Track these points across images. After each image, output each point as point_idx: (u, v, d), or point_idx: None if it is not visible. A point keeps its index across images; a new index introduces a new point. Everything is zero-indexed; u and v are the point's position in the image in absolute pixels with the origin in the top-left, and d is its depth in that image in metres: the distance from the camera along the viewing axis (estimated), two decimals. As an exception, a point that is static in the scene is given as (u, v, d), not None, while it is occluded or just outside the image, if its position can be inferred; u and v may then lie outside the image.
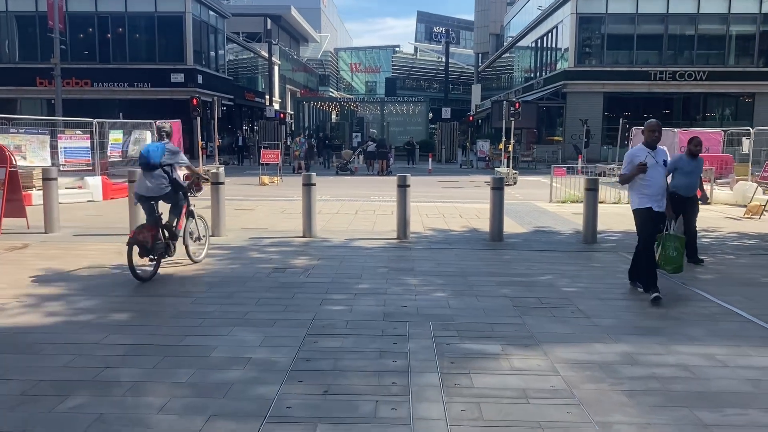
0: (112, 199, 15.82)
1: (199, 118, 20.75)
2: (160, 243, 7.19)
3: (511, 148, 21.48)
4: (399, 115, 44.33)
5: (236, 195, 17.54)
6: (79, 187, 15.66)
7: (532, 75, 46.90)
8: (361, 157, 29.37)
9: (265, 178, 20.58)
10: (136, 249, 6.88)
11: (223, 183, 9.99)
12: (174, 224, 7.55)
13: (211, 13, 41.05)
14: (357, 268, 7.76)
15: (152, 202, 7.31)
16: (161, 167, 7.20)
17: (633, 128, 23.42)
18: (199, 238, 8.21)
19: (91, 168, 16.05)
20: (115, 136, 17.43)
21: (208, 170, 21.25)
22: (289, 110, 58.17)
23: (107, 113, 30.26)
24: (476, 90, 72.51)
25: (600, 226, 11.20)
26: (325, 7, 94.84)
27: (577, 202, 16.50)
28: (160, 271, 7.29)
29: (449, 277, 7.34)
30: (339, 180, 23.64)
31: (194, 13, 37.77)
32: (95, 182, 15.63)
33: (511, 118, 20.61)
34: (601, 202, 17.06)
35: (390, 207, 14.48)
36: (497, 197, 9.90)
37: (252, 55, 54.02)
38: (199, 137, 21.09)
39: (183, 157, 7.55)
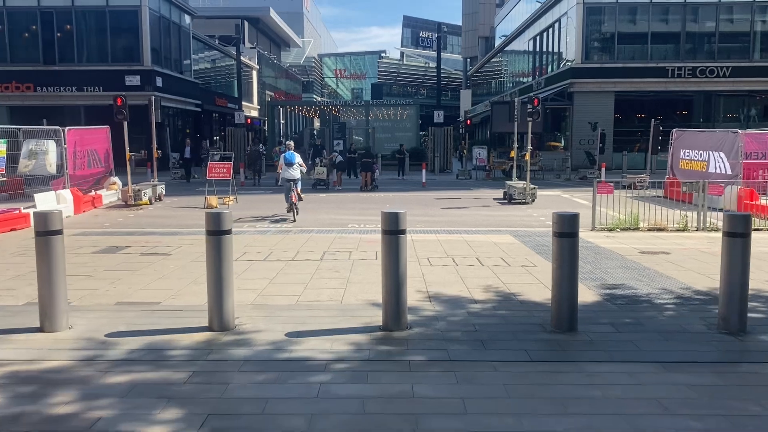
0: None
1: (126, 123, 16.11)
2: (296, 203, 14.06)
3: (528, 156, 16.97)
4: (386, 120, 39.74)
5: (164, 225, 12.90)
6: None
7: (531, 75, 42.62)
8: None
9: (213, 200, 15.90)
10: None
11: (57, 232, 5.36)
12: (299, 193, 14.38)
13: (173, 8, 36.40)
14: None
15: (291, 182, 13.96)
16: (296, 164, 14.14)
17: (674, 130, 19.08)
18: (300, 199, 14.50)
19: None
20: (-6, 148, 12.75)
21: (139, 189, 16.63)
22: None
23: (55, 122, 25.51)
24: (465, 95, 68.47)
25: (697, 279, 6.87)
26: (307, 11, 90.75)
27: (630, 229, 12.08)
28: None
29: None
30: (312, 199, 19.03)
31: (152, 8, 33.13)
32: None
33: (529, 119, 16.12)
34: (659, 229, 12.70)
35: (375, 242, 9.94)
36: (568, 251, 5.36)
37: (232, 61, 49.49)
38: (127, 146, 16.39)
39: (301, 161, 14.53)
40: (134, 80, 32.66)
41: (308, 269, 8.22)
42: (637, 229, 12.18)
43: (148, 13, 32.65)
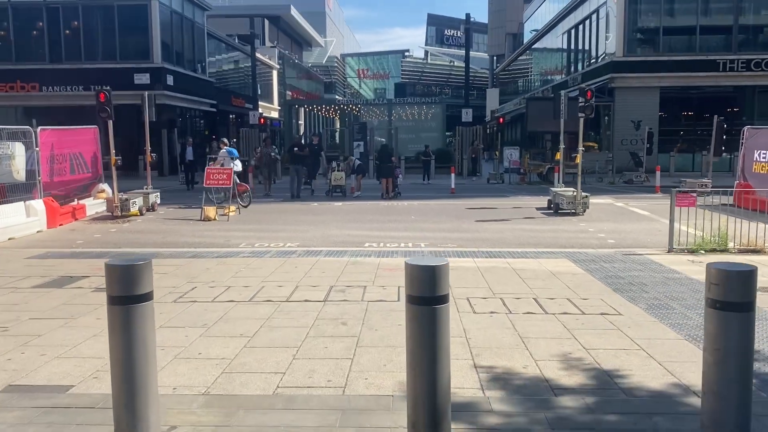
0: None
1: (111, 122, 14.05)
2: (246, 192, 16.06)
3: (579, 159, 14.53)
4: (410, 120, 37.41)
5: (147, 242, 10.76)
6: None
7: (566, 71, 39.93)
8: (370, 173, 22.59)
9: (211, 211, 13.72)
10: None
11: None
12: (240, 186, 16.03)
13: (186, 3, 34.53)
14: None
15: (235, 174, 15.25)
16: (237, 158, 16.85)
17: (746, 128, 16.44)
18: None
19: None
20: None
21: (127, 198, 14.55)
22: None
23: (62, 123, 23.78)
24: (492, 94, 65.70)
25: None
26: (330, 11, 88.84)
27: (717, 251, 9.61)
28: None
29: None
30: (325, 209, 16.81)
31: (162, 2, 31.28)
32: None
33: (581, 114, 13.67)
34: (754, 251, 10.14)
35: (397, 269, 7.63)
36: (738, 334, 3.01)
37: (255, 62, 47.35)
38: (112, 148, 14.32)
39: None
40: (143, 78, 30.78)
41: (305, 319, 5.96)
42: (725, 250, 9.70)
43: (159, 7, 30.82)
